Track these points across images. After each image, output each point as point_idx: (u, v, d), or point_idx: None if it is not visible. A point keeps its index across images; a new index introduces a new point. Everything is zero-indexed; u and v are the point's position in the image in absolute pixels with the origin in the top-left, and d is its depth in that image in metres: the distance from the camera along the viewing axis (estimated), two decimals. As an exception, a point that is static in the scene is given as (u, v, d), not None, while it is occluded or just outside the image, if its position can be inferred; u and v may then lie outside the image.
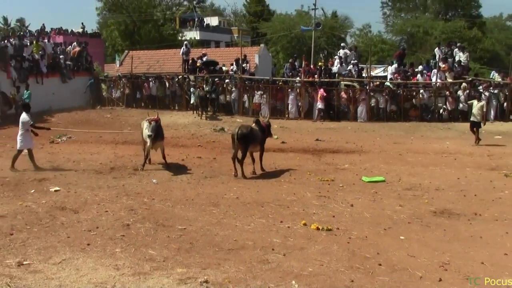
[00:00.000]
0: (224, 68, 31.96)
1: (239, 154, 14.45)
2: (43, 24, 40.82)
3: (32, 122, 15.03)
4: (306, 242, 8.89)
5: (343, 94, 27.31)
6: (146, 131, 15.11)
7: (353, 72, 28.60)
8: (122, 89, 32.53)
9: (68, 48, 33.88)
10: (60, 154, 17.55)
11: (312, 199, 11.91)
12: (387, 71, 31.15)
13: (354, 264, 7.87)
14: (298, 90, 28.04)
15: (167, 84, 31.07)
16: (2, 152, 17.22)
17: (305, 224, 9.82)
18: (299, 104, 27.90)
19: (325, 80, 28.16)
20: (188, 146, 19.89)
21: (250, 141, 14.46)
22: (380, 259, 8.07)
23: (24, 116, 15.05)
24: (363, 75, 29.56)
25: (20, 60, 28.04)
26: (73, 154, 17.55)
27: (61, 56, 32.46)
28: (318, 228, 9.56)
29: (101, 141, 20.87)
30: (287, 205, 11.34)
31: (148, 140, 15.12)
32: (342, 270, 7.66)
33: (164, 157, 15.70)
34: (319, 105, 27.02)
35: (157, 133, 15.15)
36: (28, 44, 30.12)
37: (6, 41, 28.89)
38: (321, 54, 42.66)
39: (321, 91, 26.79)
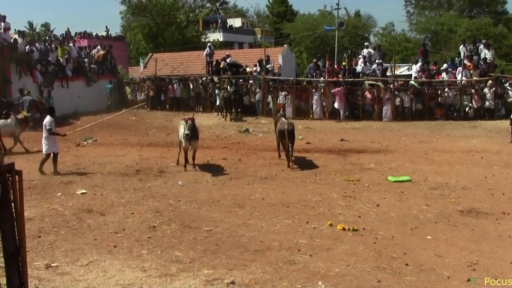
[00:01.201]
0: (247, 69, 31.92)
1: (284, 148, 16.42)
2: (68, 28, 41.23)
3: (50, 128, 14.92)
4: (332, 242, 8.87)
5: (367, 94, 27.12)
6: (183, 130, 15.29)
7: (377, 72, 28.43)
8: (146, 92, 32.71)
9: (93, 52, 34.16)
10: (85, 157, 17.70)
11: (338, 200, 11.87)
12: (411, 70, 30.89)
13: (380, 264, 7.83)
14: (322, 90, 27.93)
15: (191, 86, 31.14)
16: (29, 155, 17.41)
17: (331, 225, 9.79)
18: (324, 104, 27.79)
19: (349, 79, 28.03)
20: (213, 148, 19.94)
21: (295, 134, 16.56)
22: (407, 259, 8.01)
23: (46, 120, 15.11)
24: (387, 74, 29.33)
25: (46, 65, 28.35)
26: (98, 156, 17.69)
27: (85, 60, 32.79)
28: (344, 229, 9.53)
29: (126, 144, 21.03)
30: (313, 206, 11.32)
31: (184, 140, 15.33)
32: (369, 270, 7.62)
33: (194, 157, 15.81)
34: (336, 104, 26.92)
35: (193, 132, 15.37)
36: (54, 48, 30.43)
37: (31, 46, 29.20)
38: (344, 54, 42.29)
39: (337, 89, 26.70)
